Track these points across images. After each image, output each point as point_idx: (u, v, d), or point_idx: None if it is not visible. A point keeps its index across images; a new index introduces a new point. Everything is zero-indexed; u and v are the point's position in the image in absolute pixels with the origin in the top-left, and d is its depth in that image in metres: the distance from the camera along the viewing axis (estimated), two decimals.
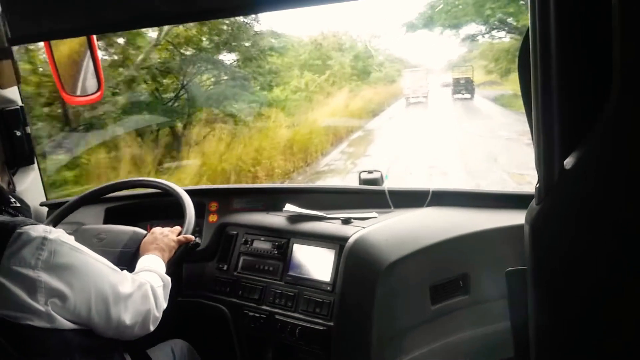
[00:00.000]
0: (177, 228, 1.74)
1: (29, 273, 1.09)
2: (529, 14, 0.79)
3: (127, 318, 1.26)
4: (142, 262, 1.55)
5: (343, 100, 14.76)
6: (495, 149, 9.99)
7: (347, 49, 17.01)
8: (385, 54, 19.76)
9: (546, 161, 0.79)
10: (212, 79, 10.65)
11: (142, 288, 1.32)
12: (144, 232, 1.74)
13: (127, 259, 1.62)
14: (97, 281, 1.20)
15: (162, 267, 1.55)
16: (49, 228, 1.18)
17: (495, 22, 13.45)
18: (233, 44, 10.34)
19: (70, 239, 1.21)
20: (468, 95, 15.99)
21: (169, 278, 1.51)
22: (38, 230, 1.14)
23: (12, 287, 1.08)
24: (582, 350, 0.82)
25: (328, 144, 11.88)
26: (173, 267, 1.64)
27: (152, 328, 1.35)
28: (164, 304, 1.42)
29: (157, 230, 1.71)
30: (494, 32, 14.23)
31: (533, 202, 0.84)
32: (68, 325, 1.15)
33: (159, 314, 1.37)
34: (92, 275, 1.20)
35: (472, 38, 14.67)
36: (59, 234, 1.18)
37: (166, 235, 1.68)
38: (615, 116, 0.72)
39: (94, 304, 1.18)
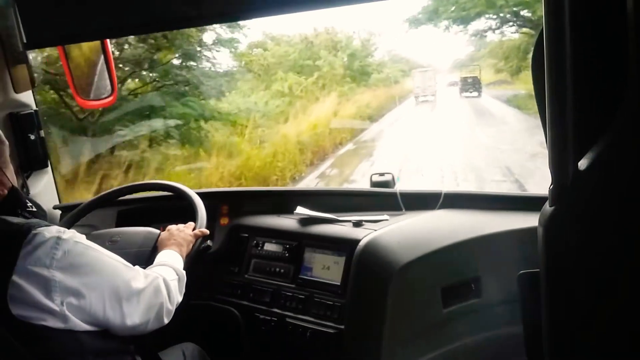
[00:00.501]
0: (191, 223, 1.77)
1: (44, 272, 1.11)
2: (543, 15, 0.78)
3: (141, 312, 1.27)
4: (159, 257, 1.57)
5: (330, 107, 13.06)
6: (523, 170, 7.88)
7: (342, 48, 15.83)
8: (388, 53, 19.09)
9: (560, 163, 0.79)
10: (145, 87, 8.41)
11: (154, 282, 1.33)
12: (158, 231, 1.76)
13: (144, 258, 1.63)
14: (111, 278, 1.22)
15: (179, 262, 1.57)
16: (63, 229, 1.19)
17: (508, 15, 12.67)
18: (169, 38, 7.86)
19: (83, 238, 1.23)
20: (475, 94, 16.59)
21: (184, 272, 1.52)
22: (52, 231, 1.16)
23: (28, 287, 1.09)
24: (595, 352, 0.81)
25: (303, 165, 9.49)
26: (191, 261, 1.67)
27: (166, 321, 1.36)
28: (178, 297, 1.44)
29: (172, 227, 1.74)
30: (505, 27, 13.54)
31: (546, 205, 0.83)
32: (83, 326, 1.15)
33: (172, 307, 1.38)
34: (105, 272, 1.22)
35: (481, 34, 14.16)
36: (72, 234, 1.19)
37: (182, 230, 1.72)
38: (630, 118, 0.71)
39: (107, 300, 1.19)
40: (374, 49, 17.96)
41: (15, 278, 1.08)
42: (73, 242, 1.17)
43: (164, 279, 1.37)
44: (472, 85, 16.83)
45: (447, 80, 19.43)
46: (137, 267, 1.34)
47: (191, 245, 1.69)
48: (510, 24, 13.43)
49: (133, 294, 1.26)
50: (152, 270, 1.42)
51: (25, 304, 1.09)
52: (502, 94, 16.25)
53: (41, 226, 1.17)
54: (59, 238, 1.15)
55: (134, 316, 1.25)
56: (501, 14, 12.76)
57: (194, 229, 1.75)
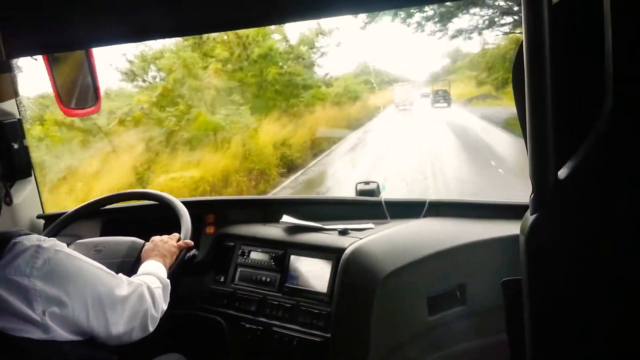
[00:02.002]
0: (176, 235, 1.76)
1: (24, 282, 1.09)
2: (523, 28, 0.80)
3: (125, 320, 1.26)
4: (143, 267, 1.56)
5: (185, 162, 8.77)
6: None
7: (253, 43, 11.50)
8: (360, 65, 17.28)
9: (540, 172, 0.80)
10: None
11: (138, 289, 1.32)
12: (142, 241, 1.75)
13: (128, 268, 1.62)
14: (93, 286, 1.21)
15: (162, 272, 1.56)
16: (43, 237, 1.18)
17: (493, 12, 10.60)
18: None
19: (64, 246, 1.21)
20: (445, 104, 18.56)
21: (168, 281, 1.51)
22: (31, 239, 1.15)
23: (9, 297, 1.08)
24: (577, 357, 0.82)
25: None
26: (175, 272, 1.66)
27: (151, 329, 1.35)
28: (162, 305, 1.43)
29: (156, 238, 1.73)
30: (492, 29, 11.46)
31: (527, 213, 0.85)
32: (65, 336, 1.14)
33: (157, 315, 1.37)
34: (88, 280, 1.20)
35: (465, 35, 12.34)
36: (52, 242, 1.18)
37: (166, 241, 1.70)
38: (608, 128, 0.73)
39: (91, 309, 1.18)
40: (320, 53, 13.58)
41: None
42: (54, 251, 1.16)
43: (147, 286, 1.37)
44: (442, 97, 18.88)
45: (421, 92, 20.88)
46: (120, 274, 1.33)
47: (174, 256, 1.68)
48: (498, 20, 11.50)
49: (117, 302, 1.25)
50: (136, 278, 1.41)
51: (5, 314, 1.08)
52: (490, 112, 14.82)
53: (21, 235, 1.16)
54: (39, 247, 1.14)
55: (118, 324, 1.24)
56: (486, 11, 11.16)
57: (178, 240, 1.74)
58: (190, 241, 1.76)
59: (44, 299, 1.11)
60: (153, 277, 1.48)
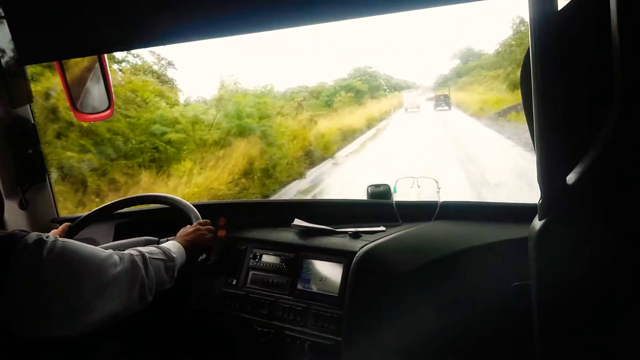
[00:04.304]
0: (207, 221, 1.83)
1: (33, 273, 1.14)
2: (529, 33, 0.79)
3: (125, 290, 1.32)
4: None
5: None
6: None
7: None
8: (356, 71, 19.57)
9: (548, 177, 0.80)
10: None
11: (130, 258, 1.38)
12: (157, 238, 1.82)
13: None
14: (96, 266, 1.27)
15: (175, 248, 1.60)
16: (42, 233, 1.24)
17: None
18: None
19: (63, 238, 1.27)
20: (446, 107, 19.78)
21: (174, 255, 1.55)
22: (32, 236, 1.20)
23: (20, 292, 1.13)
24: None
25: None
26: (187, 275, 1.69)
27: (149, 298, 1.40)
28: (162, 275, 1.48)
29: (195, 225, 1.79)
30: None
31: (536, 218, 0.84)
32: (76, 325, 1.20)
33: (150, 283, 1.41)
34: (90, 262, 1.27)
35: None
36: (52, 236, 1.24)
37: (198, 229, 1.77)
38: (616, 132, 0.73)
39: (98, 287, 1.24)
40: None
41: (6, 287, 1.11)
42: (55, 241, 1.22)
43: (142, 255, 1.42)
44: (443, 101, 20.30)
45: (426, 97, 22.08)
46: (109, 250, 1.37)
47: (198, 232, 1.73)
48: None
49: (116, 277, 1.30)
50: (133, 249, 1.46)
51: (18, 310, 1.12)
52: None
53: (22, 234, 1.21)
54: (41, 239, 1.19)
55: (122, 296, 1.30)
56: None
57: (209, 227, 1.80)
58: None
59: (52, 286, 1.16)
60: (158, 249, 1.52)
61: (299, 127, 13.04)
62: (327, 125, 14.80)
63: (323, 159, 12.88)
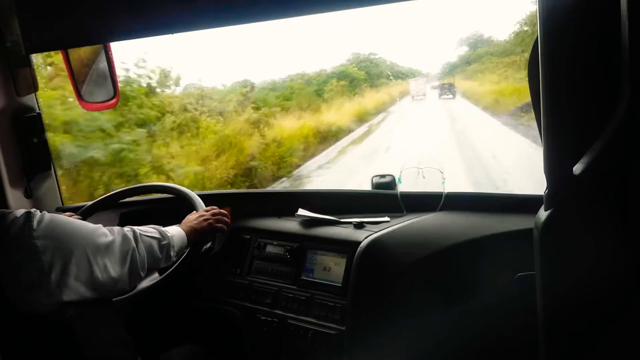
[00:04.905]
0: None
1: (26, 243, 1.17)
2: (537, 22, 0.79)
3: (118, 262, 1.34)
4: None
5: None
6: None
7: None
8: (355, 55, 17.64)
9: (555, 167, 0.79)
10: None
11: (120, 232, 1.40)
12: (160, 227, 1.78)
13: None
14: (87, 237, 1.29)
15: (175, 232, 1.61)
16: (32, 209, 1.26)
17: None
18: None
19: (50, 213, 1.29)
20: (451, 96, 19.59)
21: (170, 236, 1.56)
22: (20, 211, 1.23)
23: (14, 263, 1.16)
24: (590, 353, 0.81)
25: None
26: (190, 263, 1.70)
27: (142, 273, 1.42)
28: (155, 252, 1.49)
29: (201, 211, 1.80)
30: None
31: (542, 209, 0.84)
32: (73, 293, 1.21)
33: (142, 258, 1.42)
34: (81, 232, 1.29)
35: None
36: (39, 211, 1.25)
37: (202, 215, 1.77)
38: (625, 122, 0.72)
39: (91, 256, 1.26)
40: None
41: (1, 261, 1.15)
42: (43, 213, 1.24)
43: (133, 231, 1.44)
44: (448, 89, 20.05)
45: (431, 85, 21.43)
46: (99, 225, 1.39)
47: (201, 218, 1.73)
48: None
49: (108, 246, 1.32)
50: (130, 227, 1.47)
51: (14, 282, 1.15)
52: None
53: (10, 210, 1.24)
54: (29, 212, 1.22)
55: (115, 266, 1.32)
56: None
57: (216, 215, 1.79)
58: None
59: (48, 254, 1.18)
60: (152, 228, 1.54)
61: (235, 133, 9.23)
62: (302, 123, 10.98)
63: (274, 180, 9.02)
